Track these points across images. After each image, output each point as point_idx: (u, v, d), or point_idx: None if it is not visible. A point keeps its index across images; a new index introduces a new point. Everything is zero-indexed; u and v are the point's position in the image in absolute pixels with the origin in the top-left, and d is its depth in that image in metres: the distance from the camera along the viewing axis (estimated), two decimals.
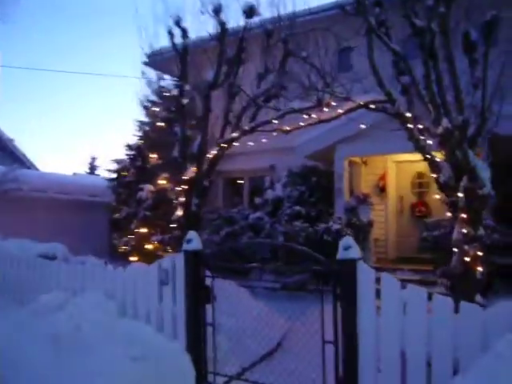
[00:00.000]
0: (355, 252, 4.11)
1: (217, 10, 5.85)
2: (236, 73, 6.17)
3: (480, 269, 4.16)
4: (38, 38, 50.43)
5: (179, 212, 6.26)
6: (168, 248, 12.09)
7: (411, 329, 3.84)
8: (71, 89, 53.46)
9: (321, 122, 6.08)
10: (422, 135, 4.90)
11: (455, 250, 4.39)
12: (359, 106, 5.59)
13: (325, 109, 5.88)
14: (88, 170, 29.43)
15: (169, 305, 5.21)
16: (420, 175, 11.56)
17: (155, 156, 12.96)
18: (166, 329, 5.21)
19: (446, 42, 4.24)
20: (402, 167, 11.78)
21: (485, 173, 4.19)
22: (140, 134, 13.60)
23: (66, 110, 50.39)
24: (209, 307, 5.05)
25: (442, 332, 3.72)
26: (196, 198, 6.22)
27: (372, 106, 5.47)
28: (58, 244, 7.39)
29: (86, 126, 51.30)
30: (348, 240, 4.18)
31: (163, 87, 13.33)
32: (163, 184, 12.36)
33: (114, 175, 13.73)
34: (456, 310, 3.75)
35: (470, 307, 3.68)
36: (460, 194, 4.16)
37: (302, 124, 6.26)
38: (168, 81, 13.68)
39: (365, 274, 4.08)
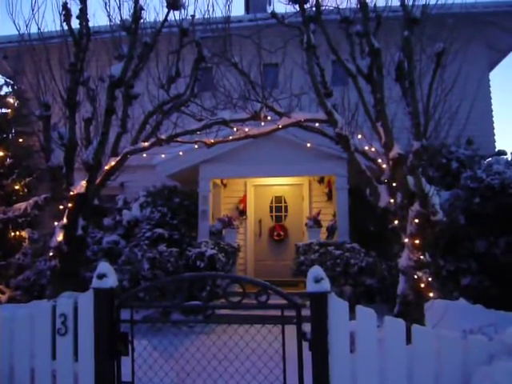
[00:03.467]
0: (327, 284, 3.68)
1: None
2: (137, 72, 5.17)
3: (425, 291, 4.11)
4: None
5: (59, 237, 4.91)
6: None
7: (391, 367, 3.54)
8: None
9: (247, 137, 5.51)
10: (371, 159, 4.76)
11: (402, 276, 4.29)
12: (295, 123, 5.21)
13: (262, 123, 5.35)
14: None
15: (67, 361, 3.97)
16: (278, 199, 11.74)
17: None
18: None
19: (410, 65, 4.19)
20: (260, 191, 11.80)
21: (436, 199, 4.21)
22: None
23: None
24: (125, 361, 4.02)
25: (424, 367, 3.50)
26: (83, 219, 4.97)
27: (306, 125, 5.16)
28: None
29: None
30: (318, 271, 3.72)
31: None
32: None
33: None
34: (408, 337, 3.60)
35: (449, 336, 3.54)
36: (416, 220, 4.09)
37: (231, 137, 5.58)
38: None
39: (337, 309, 3.66)
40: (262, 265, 11.33)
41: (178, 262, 8.77)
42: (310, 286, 3.64)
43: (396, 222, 4.37)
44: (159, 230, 9.75)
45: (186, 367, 4.11)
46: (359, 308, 3.64)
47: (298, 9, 5.04)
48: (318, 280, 3.65)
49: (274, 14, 5.19)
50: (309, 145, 7.36)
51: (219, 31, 5.37)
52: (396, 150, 4.26)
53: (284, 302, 3.82)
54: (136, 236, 9.95)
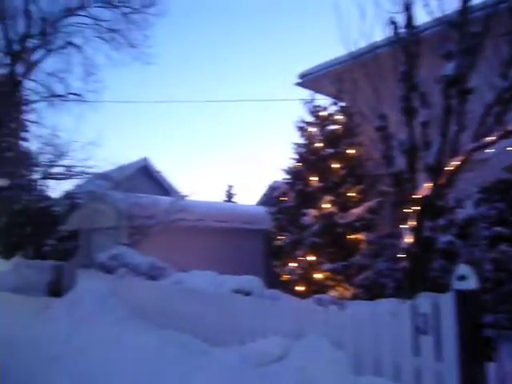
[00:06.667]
0: None
1: None
2: (471, 66, 4.97)
3: None
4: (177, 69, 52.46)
5: (408, 239, 5.16)
6: (340, 278, 11.06)
7: None
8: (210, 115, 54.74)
9: None
10: None
11: None
12: None
13: None
14: (225, 198, 29.59)
15: (429, 360, 4.07)
16: None
17: (315, 179, 12.09)
18: None
19: None
20: None
21: None
22: (296, 156, 12.85)
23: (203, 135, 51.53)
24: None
25: None
26: (429, 220, 5.09)
27: None
28: (253, 277, 6.67)
29: (225, 152, 52.24)
30: None
31: (319, 106, 12.55)
32: (328, 208, 11.41)
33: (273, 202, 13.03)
34: None
35: None
36: None
37: None
38: (322, 100, 13.00)
39: None
40: None
41: None
42: None
43: None
44: (497, 229, 9.00)
45: None
46: None
47: None
48: None
49: None
50: None
51: None
52: None
53: None
54: (472, 235, 9.47)
